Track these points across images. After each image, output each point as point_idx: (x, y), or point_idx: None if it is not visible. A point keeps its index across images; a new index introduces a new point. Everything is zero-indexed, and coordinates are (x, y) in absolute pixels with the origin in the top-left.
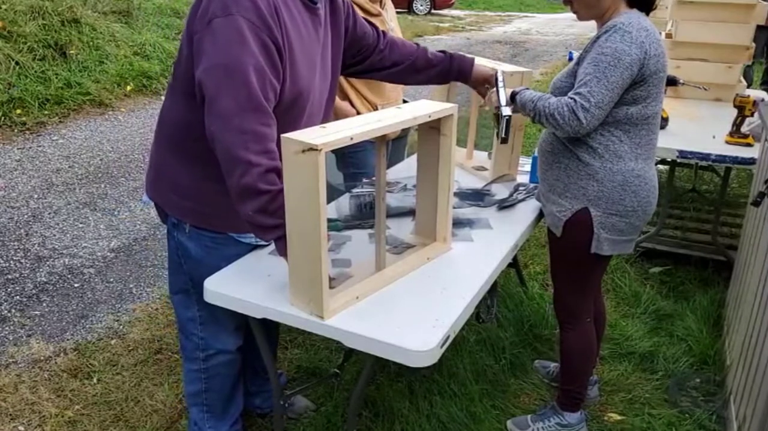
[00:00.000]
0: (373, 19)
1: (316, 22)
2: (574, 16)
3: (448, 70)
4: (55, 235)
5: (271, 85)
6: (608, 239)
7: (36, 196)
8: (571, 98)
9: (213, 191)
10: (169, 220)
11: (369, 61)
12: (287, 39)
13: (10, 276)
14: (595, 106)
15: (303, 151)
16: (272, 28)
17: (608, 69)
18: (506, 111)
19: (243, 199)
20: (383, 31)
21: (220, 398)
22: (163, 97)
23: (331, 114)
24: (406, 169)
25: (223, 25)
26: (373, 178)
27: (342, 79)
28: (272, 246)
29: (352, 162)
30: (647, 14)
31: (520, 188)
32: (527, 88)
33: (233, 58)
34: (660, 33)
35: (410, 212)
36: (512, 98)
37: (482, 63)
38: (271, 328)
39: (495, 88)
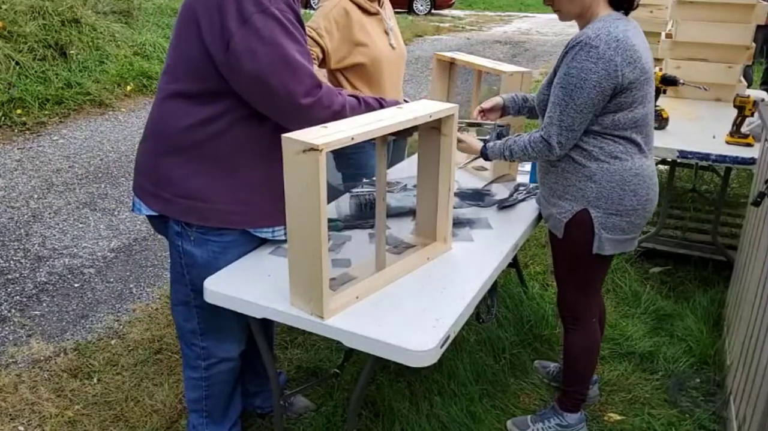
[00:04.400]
0: (371, 18)
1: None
2: None
3: None
4: (55, 235)
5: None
6: (609, 239)
7: (36, 196)
8: (541, 128)
9: (232, 188)
10: (171, 230)
11: None
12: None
13: (10, 276)
14: (566, 129)
15: (304, 151)
16: (298, 12)
17: (575, 91)
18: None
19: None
20: None
21: (220, 403)
22: None
23: None
24: (406, 169)
25: (263, 20)
26: (373, 178)
27: (342, 79)
28: (272, 246)
29: (352, 163)
30: (627, 14)
31: (520, 188)
32: (489, 142)
33: (285, 50)
34: (660, 33)
35: (410, 212)
36: (484, 157)
37: (482, 63)
38: (267, 326)
39: (465, 138)
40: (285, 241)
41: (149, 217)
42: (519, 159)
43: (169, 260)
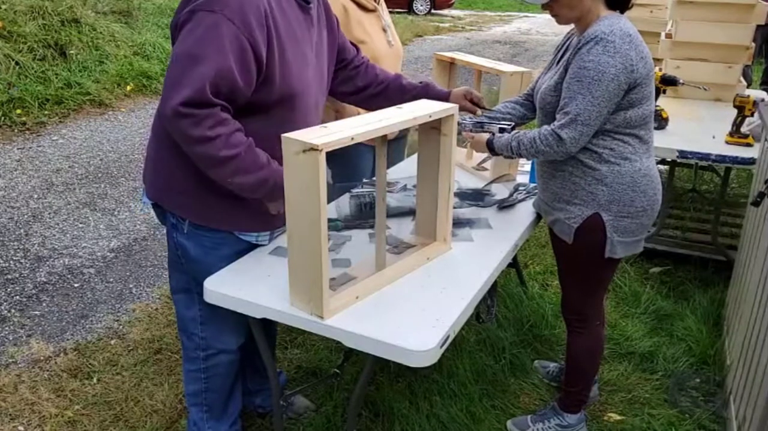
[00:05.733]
0: (369, 15)
1: (309, 22)
2: None
3: (424, 98)
4: (55, 235)
5: (233, 84)
6: (621, 242)
7: (36, 196)
8: (553, 123)
9: (213, 189)
10: (168, 221)
11: (341, 75)
12: (278, 40)
13: (10, 276)
14: (581, 123)
15: (303, 151)
16: (253, 31)
17: (593, 84)
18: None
19: (215, 169)
20: (363, 55)
21: (219, 398)
22: None
23: (320, 115)
24: (406, 169)
25: (204, 18)
26: (374, 178)
27: None
28: (272, 246)
29: (340, 161)
30: (623, 12)
31: (520, 188)
32: (498, 133)
33: (202, 51)
34: (660, 33)
35: (410, 212)
36: (491, 148)
37: (482, 63)
38: (268, 326)
39: (474, 131)
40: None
41: (152, 205)
42: (526, 152)
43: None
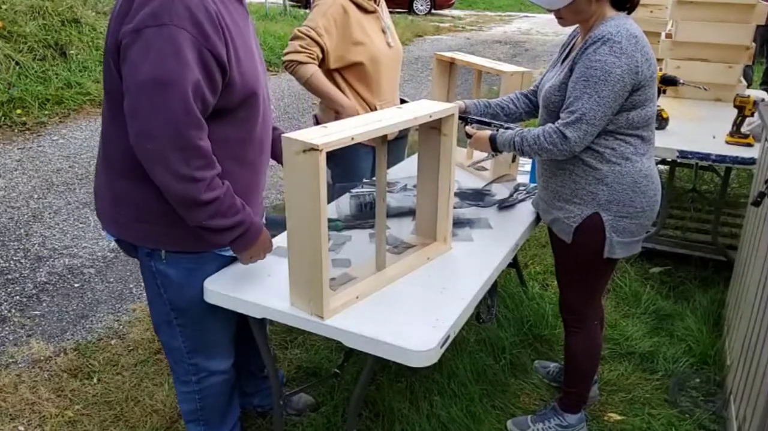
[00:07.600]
0: (368, 16)
1: (245, 14)
2: None
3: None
4: (55, 235)
5: (203, 98)
6: (620, 242)
7: (36, 196)
8: (557, 121)
9: None
10: (141, 252)
11: None
12: (231, 42)
13: (10, 276)
14: (587, 123)
15: (304, 151)
16: (210, 38)
17: (599, 84)
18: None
19: (192, 211)
20: None
21: (216, 411)
22: None
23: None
24: (406, 169)
25: (156, 36)
26: (374, 178)
27: (340, 79)
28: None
29: (339, 162)
30: (629, 13)
31: (520, 188)
32: (500, 130)
33: (168, 72)
34: (660, 33)
35: (410, 212)
36: (493, 144)
37: (482, 63)
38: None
39: (475, 129)
40: None
41: (116, 240)
42: (528, 148)
43: None
